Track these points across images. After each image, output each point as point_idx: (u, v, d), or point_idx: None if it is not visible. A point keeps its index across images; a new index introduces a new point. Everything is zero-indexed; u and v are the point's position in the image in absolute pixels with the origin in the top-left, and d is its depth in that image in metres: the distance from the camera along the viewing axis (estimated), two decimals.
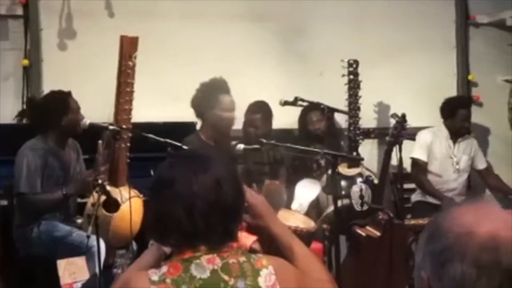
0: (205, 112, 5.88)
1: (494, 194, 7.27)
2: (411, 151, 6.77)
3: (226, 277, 2.21)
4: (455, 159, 6.89)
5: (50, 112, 5.43)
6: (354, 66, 6.38)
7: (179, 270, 2.21)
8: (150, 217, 2.36)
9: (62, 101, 5.47)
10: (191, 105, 5.93)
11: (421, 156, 6.85)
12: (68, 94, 5.51)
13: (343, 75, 6.36)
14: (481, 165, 7.08)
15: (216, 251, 2.26)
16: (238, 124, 6.24)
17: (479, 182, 7.31)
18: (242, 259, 2.27)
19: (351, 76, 6.38)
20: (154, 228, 2.34)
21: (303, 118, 6.75)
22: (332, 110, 6.38)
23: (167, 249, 2.51)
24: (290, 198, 5.83)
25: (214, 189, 2.26)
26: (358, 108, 6.40)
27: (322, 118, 6.56)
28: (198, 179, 2.25)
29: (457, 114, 6.84)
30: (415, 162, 6.87)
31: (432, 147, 6.87)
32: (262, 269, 2.26)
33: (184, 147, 4.89)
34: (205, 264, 2.22)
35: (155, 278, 2.19)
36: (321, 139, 6.59)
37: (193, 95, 5.92)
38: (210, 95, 5.81)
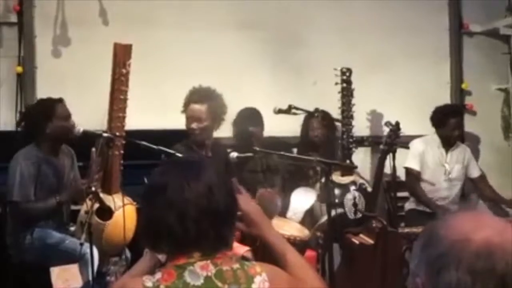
0: None
1: (486, 203, 7.28)
2: (405, 160, 6.78)
3: (220, 284, 2.21)
4: (448, 167, 6.90)
5: (35, 120, 5.45)
6: (347, 74, 6.39)
7: (173, 277, 2.21)
8: (142, 224, 2.36)
9: (47, 108, 5.46)
10: None
11: (414, 165, 6.86)
12: (56, 101, 5.49)
13: (336, 83, 6.36)
14: (474, 173, 7.07)
15: (209, 257, 2.26)
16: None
17: (472, 191, 7.32)
18: (236, 266, 2.27)
19: (344, 84, 6.38)
20: (146, 235, 2.34)
21: (305, 125, 6.75)
22: (327, 117, 6.40)
23: (161, 257, 2.51)
24: (285, 205, 5.84)
25: (206, 195, 2.25)
26: (351, 116, 6.41)
27: (323, 125, 6.58)
28: (190, 185, 2.25)
29: (447, 123, 6.84)
30: (408, 171, 6.88)
31: (424, 156, 6.88)
32: (255, 276, 2.26)
33: (178, 154, 4.89)
34: (198, 271, 2.22)
35: (149, 284, 2.19)
36: (321, 146, 6.60)
37: None
38: (184, 104, 5.79)
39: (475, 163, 7.12)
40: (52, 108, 5.45)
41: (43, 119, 5.42)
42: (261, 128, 6.42)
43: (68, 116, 5.46)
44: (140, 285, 2.20)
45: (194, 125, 5.64)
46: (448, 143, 6.91)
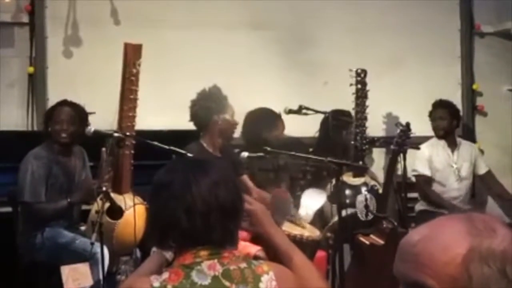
0: (211, 119, 5.76)
1: (496, 201, 7.28)
2: (414, 161, 6.80)
3: (227, 283, 2.22)
4: (456, 166, 6.92)
5: (44, 121, 5.63)
6: (362, 75, 6.36)
7: (180, 277, 2.21)
8: (150, 219, 2.38)
9: (48, 110, 5.69)
10: (193, 115, 5.81)
11: (423, 170, 6.90)
12: (58, 104, 5.64)
13: (351, 84, 6.33)
14: (481, 170, 7.10)
15: (217, 256, 2.26)
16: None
17: (483, 190, 7.32)
18: (243, 265, 2.28)
19: (359, 86, 6.35)
20: (153, 230, 2.36)
21: (324, 126, 6.71)
22: (336, 119, 6.38)
23: (169, 256, 2.52)
24: (296, 205, 5.84)
25: (212, 190, 2.28)
26: (365, 118, 6.38)
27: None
28: (196, 180, 2.28)
29: (432, 114, 6.98)
30: (417, 177, 6.90)
31: (432, 160, 6.93)
32: (263, 275, 2.27)
33: (189, 154, 4.89)
34: (206, 271, 2.23)
35: (156, 284, 2.20)
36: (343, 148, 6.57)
37: (194, 106, 5.76)
38: (218, 101, 5.75)
39: (481, 160, 7.16)
40: (50, 112, 5.66)
41: (45, 121, 5.61)
42: (276, 129, 6.40)
43: (62, 121, 5.58)
44: (148, 285, 2.20)
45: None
46: (437, 136, 6.95)
